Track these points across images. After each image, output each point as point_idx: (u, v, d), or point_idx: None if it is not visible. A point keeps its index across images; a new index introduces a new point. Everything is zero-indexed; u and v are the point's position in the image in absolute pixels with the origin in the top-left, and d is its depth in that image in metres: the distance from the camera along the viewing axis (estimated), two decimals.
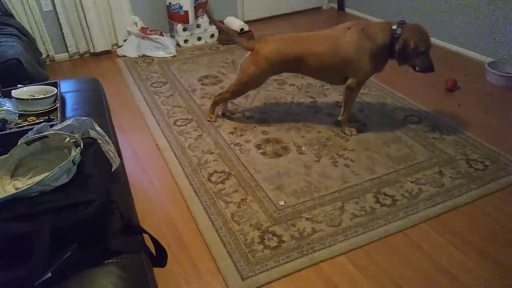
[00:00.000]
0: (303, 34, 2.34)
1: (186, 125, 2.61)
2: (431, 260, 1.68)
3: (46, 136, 1.22)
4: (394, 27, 2.16)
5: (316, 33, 2.32)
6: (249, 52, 2.37)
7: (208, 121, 2.63)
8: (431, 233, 1.80)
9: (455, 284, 1.57)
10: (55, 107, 1.71)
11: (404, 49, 2.13)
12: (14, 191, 1.10)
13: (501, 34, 3.13)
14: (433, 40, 3.63)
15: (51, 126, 1.32)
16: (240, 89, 2.46)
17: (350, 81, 2.30)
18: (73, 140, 1.22)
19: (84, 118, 1.35)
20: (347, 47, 2.19)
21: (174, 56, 3.64)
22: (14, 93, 1.70)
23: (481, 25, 3.26)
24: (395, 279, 1.60)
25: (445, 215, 1.89)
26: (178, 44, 3.83)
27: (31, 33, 3.26)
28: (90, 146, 1.25)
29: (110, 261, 1.06)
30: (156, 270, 1.19)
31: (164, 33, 3.75)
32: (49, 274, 0.94)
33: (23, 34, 2.89)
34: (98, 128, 1.39)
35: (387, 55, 2.23)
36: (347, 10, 4.65)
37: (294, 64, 2.30)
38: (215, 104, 2.61)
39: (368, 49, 2.18)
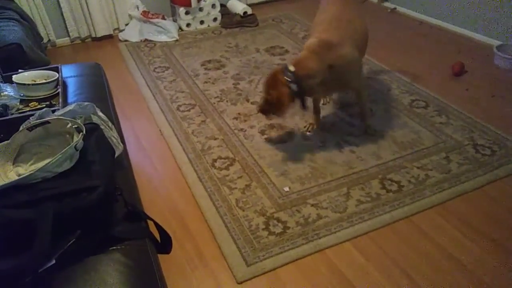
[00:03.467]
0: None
1: (189, 110, 2.59)
2: (437, 246, 1.67)
3: (47, 122, 1.20)
4: None
5: (334, 9, 2.13)
6: None
7: None
8: (438, 219, 1.78)
9: (461, 270, 1.57)
10: (56, 92, 1.69)
11: None
12: (16, 177, 1.08)
13: (509, 17, 3.06)
14: (439, 23, 3.60)
15: (53, 111, 1.30)
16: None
17: None
18: (75, 126, 1.20)
19: (86, 103, 1.33)
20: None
21: (177, 40, 3.58)
22: (15, 78, 1.68)
23: (488, 7, 3.18)
24: (401, 266, 1.59)
25: (451, 201, 1.87)
26: (180, 28, 3.77)
27: (32, 17, 3.21)
28: (93, 131, 1.23)
29: (114, 248, 1.05)
30: (161, 257, 1.18)
31: (166, 17, 3.69)
32: (53, 261, 0.93)
33: (23, 18, 2.84)
34: (100, 114, 1.37)
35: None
36: None
37: None
38: None
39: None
